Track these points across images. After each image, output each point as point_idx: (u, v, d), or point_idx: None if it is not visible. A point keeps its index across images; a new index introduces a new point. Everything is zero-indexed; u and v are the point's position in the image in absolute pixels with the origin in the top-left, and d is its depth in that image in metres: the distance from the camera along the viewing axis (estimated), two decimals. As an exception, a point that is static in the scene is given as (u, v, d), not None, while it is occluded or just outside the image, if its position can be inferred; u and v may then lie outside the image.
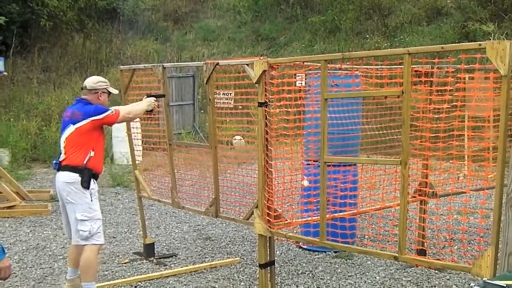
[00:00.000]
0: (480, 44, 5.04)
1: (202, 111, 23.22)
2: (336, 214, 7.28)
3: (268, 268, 7.19)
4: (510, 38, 17.94)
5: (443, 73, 7.89)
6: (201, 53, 28.44)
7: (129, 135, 9.57)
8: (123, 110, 7.70)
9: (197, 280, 8.41)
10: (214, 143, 7.75)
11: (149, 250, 9.47)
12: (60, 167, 7.39)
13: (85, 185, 7.25)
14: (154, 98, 8.03)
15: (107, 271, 8.86)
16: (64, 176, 7.32)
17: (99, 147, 7.49)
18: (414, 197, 8.29)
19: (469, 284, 8.00)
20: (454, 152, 6.14)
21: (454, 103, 6.08)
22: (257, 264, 7.33)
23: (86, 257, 7.28)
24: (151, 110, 7.99)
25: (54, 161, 7.55)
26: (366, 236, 9.85)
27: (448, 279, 8.26)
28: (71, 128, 7.36)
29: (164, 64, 8.64)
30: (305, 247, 9.64)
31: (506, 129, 4.94)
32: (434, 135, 6.86)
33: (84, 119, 7.32)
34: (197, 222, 11.73)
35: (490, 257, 5.05)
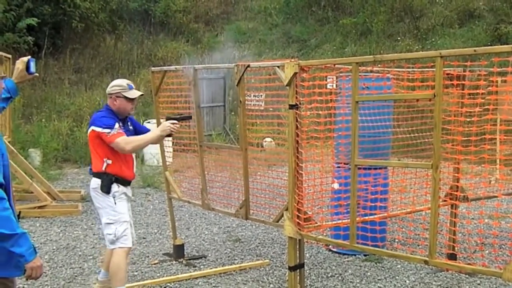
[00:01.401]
0: (512, 47, 5.00)
1: (232, 112, 23.27)
2: (366, 218, 7.26)
3: (298, 270, 7.18)
4: (543, 41, 17.81)
5: (475, 76, 7.85)
6: (232, 55, 28.44)
7: (160, 136, 9.59)
8: (123, 139, 7.11)
9: (226, 282, 8.41)
10: (245, 145, 7.75)
11: (178, 251, 9.49)
12: (91, 173, 7.44)
13: (105, 190, 7.22)
14: (174, 121, 7.35)
15: (136, 271, 8.90)
16: (91, 182, 7.37)
17: (118, 155, 7.27)
18: (445, 200, 8.24)
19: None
20: (486, 156, 6.11)
21: (486, 107, 6.04)
22: (287, 267, 7.32)
23: (114, 261, 7.23)
24: (170, 135, 7.47)
25: (89, 167, 7.53)
26: (397, 240, 9.82)
27: (478, 284, 8.20)
28: None
29: (195, 65, 8.65)
30: (334, 250, 9.62)
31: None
32: (465, 138, 6.83)
33: (90, 125, 7.27)
34: (226, 223, 11.74)
35: (521, 262, 5.01)
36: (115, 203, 7.26)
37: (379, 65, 7.59)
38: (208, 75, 22.70)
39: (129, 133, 7.42)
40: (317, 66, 7.23)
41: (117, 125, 7.15)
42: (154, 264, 9.27)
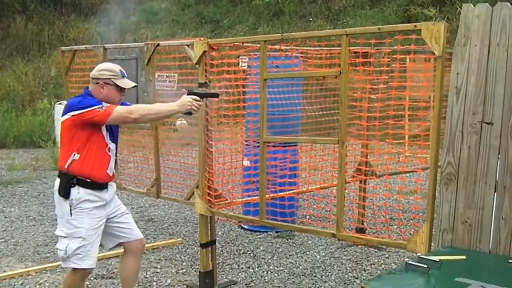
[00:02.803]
0: (415, 26, 5.16)
1: (145, 93, 23.10)
2: (275, 194, 7.37)
3: (209, 247, 7.25)
4: (451, 22, 18.19)
5: (382, 54, 8.02)
6: (145, 35, 28.29)
7: (71, 117, 9.52)
8: (123, 108, 5.88)
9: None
10: (155, 124, 7.78)
11: (91, 232, 9.44)
12: None
13: (61, 193, 5.81)
14: (195, 97, 5.94)
15: (49, 253, 8.84)
16: (55, 182, 6.01)
17: (90, 150, 5.83)
18: (354, 176, 8.42)
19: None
20: (390, 131, 6.26)
21: (390, 83, 6.20)
22: (199, 244, 7.38)
23: (65, 282, 6.12)
24: (190, 113, 6.03)
25: None
26: (308, 216, 9.98)
27: (387, 258, 8.41)
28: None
29: (105, 45, 8.62)
30: (246, 227, 9.73)
31: (440, 109, 5.06)
32: (371, 115, 6.99)
33: (66, 113, 5.78)
34: (139, 204, 11.75)
35: (425, 233, 5.18)
36: (71, 213, 5.80)
37: (288, 44, 7.69)
38: (120, 56, 22.52)
39: (111, 131, 6.09)
40: (227, 45, 7.30)
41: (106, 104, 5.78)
42: (67, 245, 9.20)
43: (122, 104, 6.13)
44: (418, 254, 4.57)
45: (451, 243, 5.11)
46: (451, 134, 5.05)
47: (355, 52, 7.89)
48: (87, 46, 9.39)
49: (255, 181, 7.11)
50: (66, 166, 5.80)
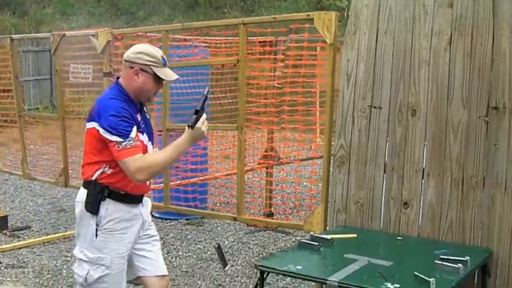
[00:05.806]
0: (308, 15, 5.37)
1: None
2: (181, 181, 7.53)
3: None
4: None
5: (286, 42, 8.23)
6: (60, 27, 28.02)
7: (-21, 108, 9.54)
8: (135, 161, 4.27)
9: (50, 250, 8.45)
10: (62, 114, 7.84)
11: (2, 223, 9.45)
12: None
13: (89, 208, 4.49)
14: (203, 117, 4.48)
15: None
16: (78, 192, 4.67)
17: None
18: (260, 163, 8.64)
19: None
20: (286, 116, 6.47)
21: (285, 71, 6.41)
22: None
23: None
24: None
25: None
26: (218, 203, 10.15)
27: (293, 242, 8.60)
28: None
29: (12, 35, 8.64)
30: (157, 215, 9.82)
31: (333, 95, 5.29)
32: (274, 101, 7.17)
33: (94, 118, 4.43)
34: (52, 195, 11.71)
35: (320, 214, 5.42)
36: (96, 235, 4.49)
37: (190, 33, 7.85)
38: (33, 48, 22.37)
39: (147, 129, 4.60)
40: (131, 35, 7.43)
41: (134, 132, 4.35)
42: (-23, 237, 9.21)
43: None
44: (311, 233, 4.79)
45: (345, 222, 5.36)
46: (343, 118, 5.28)
47: (260, 42, 8.07)
48: (-6, 37, 9.37)
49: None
50: (94, 177, 4.48)
